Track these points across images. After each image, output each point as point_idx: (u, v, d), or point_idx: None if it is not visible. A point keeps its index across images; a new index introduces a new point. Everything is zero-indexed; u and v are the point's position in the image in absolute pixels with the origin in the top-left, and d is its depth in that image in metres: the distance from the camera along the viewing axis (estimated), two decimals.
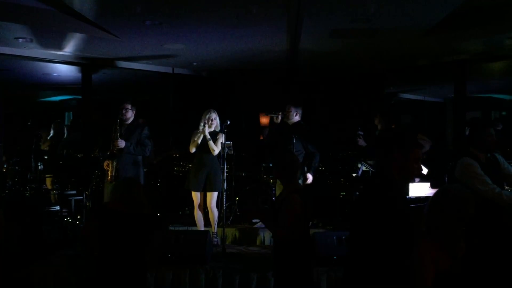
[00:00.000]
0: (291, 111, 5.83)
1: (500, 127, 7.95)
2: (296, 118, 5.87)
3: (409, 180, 2.79)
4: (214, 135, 5.54)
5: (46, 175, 7.61)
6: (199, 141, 5.52)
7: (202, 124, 5.51)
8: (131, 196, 3.40)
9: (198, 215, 5.68)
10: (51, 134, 8.08)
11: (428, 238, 2.28)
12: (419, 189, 5.11)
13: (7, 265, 4.75)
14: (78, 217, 6.61)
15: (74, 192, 7.00)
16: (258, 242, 6.05)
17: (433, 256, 2.22)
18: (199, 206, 5.64)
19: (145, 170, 5.95)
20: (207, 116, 5.55)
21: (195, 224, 5.81)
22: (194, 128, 5.66)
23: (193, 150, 5.60)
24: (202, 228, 5.66)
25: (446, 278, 2.21)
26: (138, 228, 3.35)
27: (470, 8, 5.67)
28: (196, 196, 5.62)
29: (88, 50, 7.43)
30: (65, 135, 8.10)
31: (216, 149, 5.50)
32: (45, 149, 7.91)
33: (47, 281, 4.52)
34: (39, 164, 7.74)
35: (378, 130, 6.54)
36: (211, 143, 5.47)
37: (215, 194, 5.56)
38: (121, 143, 5.31)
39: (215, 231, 5.64)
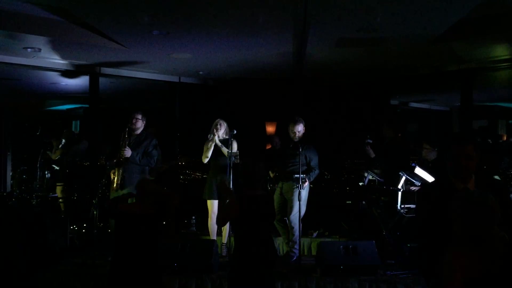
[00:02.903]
0: (298, 131, 5.69)
1: None
2: (301, 134, 5.73)
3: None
4: (225, 143, 5.58)
5: (57, 183, 7.63)
6: (211, 150, 5.55)
7: (210, 134, 5.54)
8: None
9: (212, 224, 5.65)
10: (62, 143, 8.09)
11: (455, 246, 2.23)
12: None
13: (14, 273, 4.76)
14: (84, 225, 6.62)
15: (81, 200, 7.02)
16: None
17: (462, 265, 2.16)
18: (214, 214, 5.62)
19: (152, 178, 5.96)
20: (215, 124, 5.60)
21: (202, 233, 5.80)
22: (200, 137, 5.70)
23: (205, 160, 5.63)
24: (215, 237, 5.63)
25: (479, 285, 2.15)
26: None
27: (477, 17, 5.67)
28: (212, 204, 5.60)
29: (96, 59, 7.49)
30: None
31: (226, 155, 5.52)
32: (57, 157, 7.88)
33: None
34: (46, 172, 7.77)
35: (386, 140, 6.54)
36: (224, 149, 5.50)
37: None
38: (128, 152, 5.33)
39: (225, 241, 5.60)
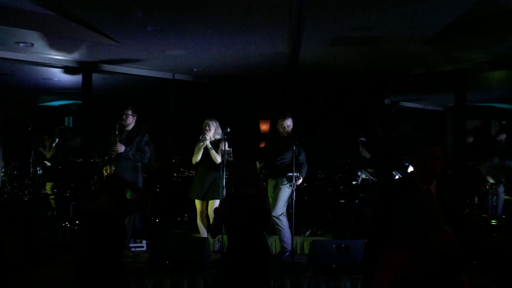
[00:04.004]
0: (287, 126, 5.69)
1: (503, 137, 7.95)
2: (290, 129, 5.73)
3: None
4: (216, 144, 5.53)
5: (47, 181, 7.57)
6: (201, 152, 5.51)
7: (201, 136, 5.51)
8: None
9: (201, 223, 5.65)
10: (56, 142, 8.01)
11: (395, 244, 2.28)
12: None
13: (5, 270, 4.72)
14: (77, 222, 6.58)
15: (72, 197, 6.98)
16: None
17: (395, 264, 2.20)
18: (202, 213, 5.61)
19: (144, 176, 5.93)
20: (205, 125, 5.54)
21: (194, 231, 5.78)
22: (194, 134, 5.66)
23: (194, 162, 5.61)
24: (205, 236, 5.62)
25: (411, 285, 2.18)
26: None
27: (471, 18, 5.69)
28: (199, 204, 5.60)
29: (89, 55, 7.44)
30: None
31: (219, 158, 5.46)
32: (50, 156, 7.81)
33: (45, 286, 4.49)
34: (38, 169, 7.71)
35: (379, 139, 6.53)
36: (213, 152, 5.46)
37: (214, 202, 5.54)
38: (121, 148, 5.30)
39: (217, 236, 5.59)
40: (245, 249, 3.46)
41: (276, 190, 5.57)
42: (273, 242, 5.93)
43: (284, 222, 5.48)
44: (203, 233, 5.68)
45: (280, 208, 5.48)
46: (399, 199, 2.38)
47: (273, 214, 5.45)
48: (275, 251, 5.88)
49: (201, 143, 5.49)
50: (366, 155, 6.16)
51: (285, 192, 5.48)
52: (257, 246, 3.51)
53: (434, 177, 2.65)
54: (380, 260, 2.25)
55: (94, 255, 3.30)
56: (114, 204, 3.38)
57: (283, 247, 5.53)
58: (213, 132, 5.55)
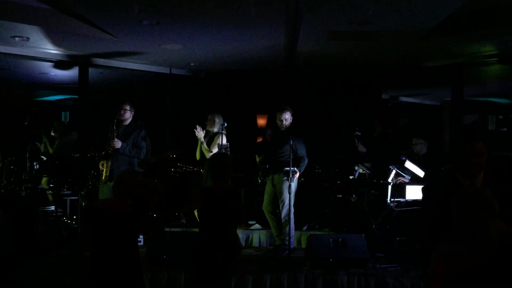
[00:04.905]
0: (285, 119, 5.67)
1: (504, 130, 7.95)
2: (288, 122, 5.72)
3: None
4: (212, 137, 5.65)
5: (43, 175, 7.55)
6: (199, 148, 5.67)
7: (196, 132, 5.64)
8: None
9: None
10: (56, 138, 7.95)
11: (448, 240, 2.24)
12: (416, 192, 5.10)
13: (1, 264, 4.71)
14: (74, 217, 6.57)
15: (69, 192, 6.95)
16: (253, 244, 6.04)
17: (448, 259, 2.16)
18: None
19: (141, 171, 5.92)
20: (209, 119, 5.69)
21: (191, 226, 5.79)
22: (191, 129, 5.71)
23: (198, 157, 5.73)
24: None
25: (465, 279, 2.14)
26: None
27: (468, 12, 5.68)
28: None
29: (85, 49, 7.40)
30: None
31: (208, 152, 5.58)
32: (54, 151, 7.76)
33: (41, 281, 4.49)
34: (35, 163, 7.67)
35: (376, 133, 6.53)
36: (204, 146, 5.58)
37: None
38: (117, 144, 5.29)
39: None
40: (210, 243, 3.49)
41: (280, 186, 5.52)
42: (267, 235, 5.97)
43: (292, 218, 5.44)
44: None
45: (287, 205, 5.40)
46: (444, 195, 2.37)
47: (284, 215, 5.45)
48: (269, 245, 5.91)
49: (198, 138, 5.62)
50: (362, 149, 6.16)
51: (291, 187, 5.34)
52: (223, 242, 3.51)
53: (479, 172, 2.69)
54: (433, 256, 2.21)
55: (108, 253, 3.28)
56: (131, 205, 3.36)
57: (284, 244, 5.50)
58: (213, 125, 5.67)
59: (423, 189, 2.93)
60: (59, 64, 8.16)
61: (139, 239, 5.75)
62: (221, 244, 3.49)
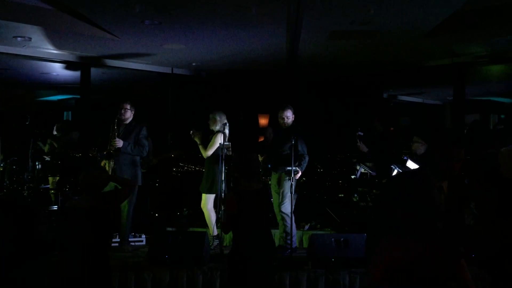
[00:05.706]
0: (287, 117, 5.68)
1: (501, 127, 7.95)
2: (290, 120, 5.72)
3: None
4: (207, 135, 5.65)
5: (49, 175, 7.56)
6: (200, 146, 5.64)
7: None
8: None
9: (205, 215, 5.68)
10: (59, 136, 7.95)
11: (394, 235, 2.27)
12: None
13: (1, 264, 4.72)
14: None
15: (72, 191, 6.96)
16: None
17: (391, 253, 2.20)
18: (203, 206, 5.62)
19: (143, 171, 5.93)
20: (210, 118, 5.67)
21: (193, 225, 5.80)
22: (192, 129, 5.69)
23: (204, 156, 5.67)
24: (215, 230, 5.60)
25: (405, 273, 2.17)
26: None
27: (470, 11, 5.67)
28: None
29: (87, 49, 7.41)
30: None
31: (204, 152, 5.55)
32: (59, 149, 7.78)
33: (42, 281, 4.49)
34: (37, 163, 7.69)
35: (377, 132, 6.52)
36: (200, 146, 5.56)
37: (205, 196, 5.54)
38: (119, 143, 5.30)
39: (212, 233, 5.56)
40: (251, 244, 3.45)
41: (282, 184, 5.52)
42: (275, 236, 5.96)
43: (292, 219, 5.42)
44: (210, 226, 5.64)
45: (290, 204, 5.38)
46: (413, 193, 2.37)
47: (283, 210, 5.44)
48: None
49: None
50: (364, 149, 6.16)
51: (293, 187, 5.36)
52: (263, 241, 3.51)
53: (452, 177, 2.71)
54: (376, 250, 2.25)
55: (77, 252, 3.31)
56: (95, 199, 3.38)
57: (286, 243, 5.49)
58: (213, 124, 5.63)
59: (391, 180, 2.94)
60: (61, 64, 8.17)
61: (141, 239, 5.77)
62: (259, 244, 3.47)
